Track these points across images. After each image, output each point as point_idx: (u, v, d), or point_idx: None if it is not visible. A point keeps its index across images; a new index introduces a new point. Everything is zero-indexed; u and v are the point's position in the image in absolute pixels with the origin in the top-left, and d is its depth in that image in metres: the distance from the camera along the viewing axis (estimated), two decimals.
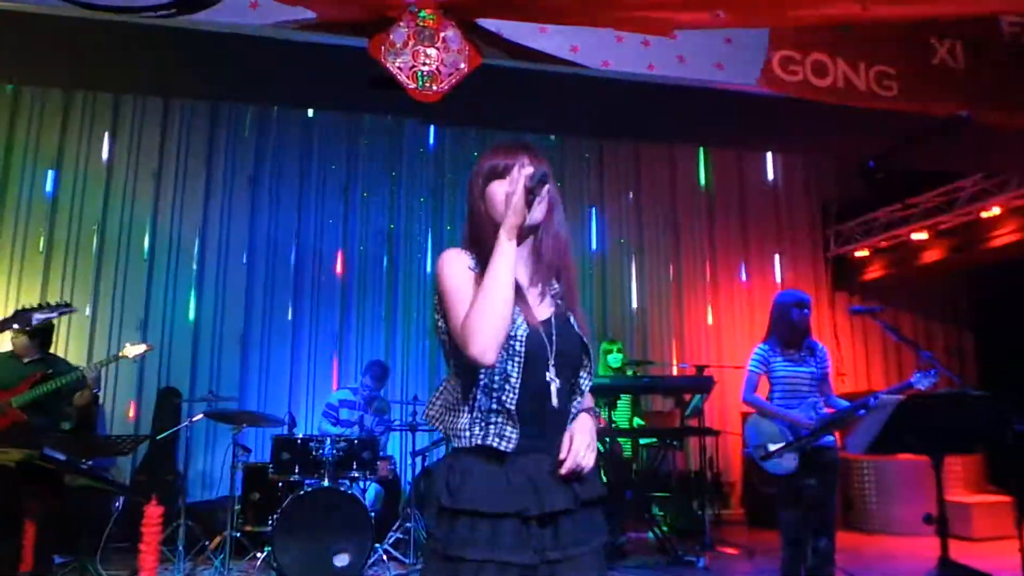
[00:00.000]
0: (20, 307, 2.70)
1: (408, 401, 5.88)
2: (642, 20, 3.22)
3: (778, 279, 8.31)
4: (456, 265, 1.58)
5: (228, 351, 6.96)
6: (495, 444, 1.51)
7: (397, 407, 6.29)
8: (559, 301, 1.66)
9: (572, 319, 1.65)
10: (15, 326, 2.70)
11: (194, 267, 6.98)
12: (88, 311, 6.63)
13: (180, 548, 4.81)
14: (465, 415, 1.55)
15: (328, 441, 4.96)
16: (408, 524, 5.20)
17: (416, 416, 5.60)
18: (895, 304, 8.27)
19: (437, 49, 3.07)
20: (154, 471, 6.11)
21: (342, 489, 4.72)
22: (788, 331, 3.87)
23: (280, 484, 4.97)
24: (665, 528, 6.24)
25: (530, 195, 1.53)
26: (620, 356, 6.12)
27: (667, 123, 3.81)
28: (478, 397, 1.54)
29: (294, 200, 7.29)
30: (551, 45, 3.22)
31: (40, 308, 2.67)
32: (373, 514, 5.18)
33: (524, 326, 1.55)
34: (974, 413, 2.97)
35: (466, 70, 3.12)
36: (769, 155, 8.32)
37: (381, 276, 7.41)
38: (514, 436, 1.51)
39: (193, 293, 6.94)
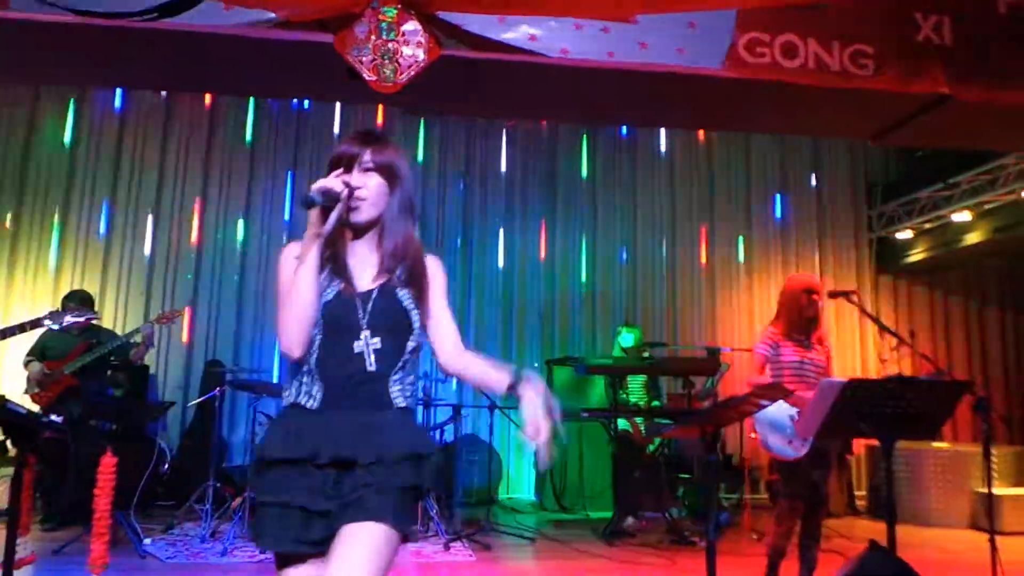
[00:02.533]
0: (53, 309, 3.07)
1: (418, 376, 6.15)
2: (601, 5, 3.29)
3: (817, 262, 8.11)
4: (284, 263, 1.73)
5: (269, 328, 7.42)
6: (302, 402, 1.69)
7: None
8: (394, 278, 1.75)
9: (401, 293, 1.74)
10: (47, 322, 3.05)
11: (238, 250, 7.46)
12: (143, 288, 7.22)
13: (208, 506, 5.26)
14: (292, 381, 1.74)
15: None
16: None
17: (428, 391, 5.86)
18: (942, 287, 7.95)
19: (396, 42, 3.25)
20: (197, 437, 6.62)
21: None
22: (797, 316, 3.89)
23: None
24: (684, 511, 6.32)
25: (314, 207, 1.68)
26: (633, 337, 6.20)
27: (630, 107, 3.86)
28: (301, 364, 1.72)
29: None
30: (510, 35, 3.34)
31: (69, 310, 3.03)
32: None
33: (331, 296, 1.70)
34: (925, 399, 2.93)
35: (425, 62, 3.29)
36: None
37: None
38: (318, 395, 1.67)
39: (236, 276, 7.44)
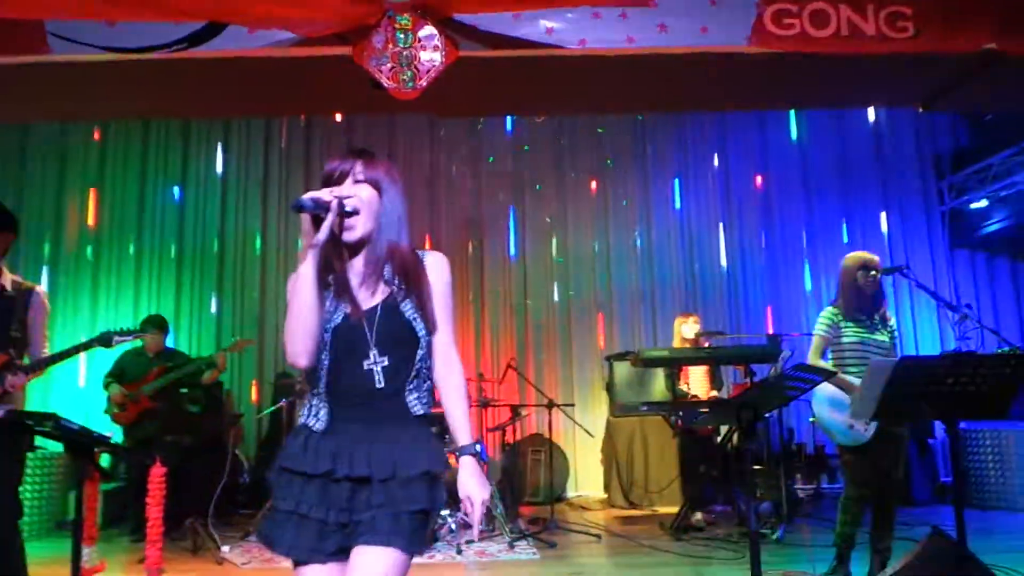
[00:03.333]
0: (108, 329, 3.25)
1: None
2: None
3: (885, 239, 7.74)
4: (291, 278, 1.76)
5: None
6: (310, 424, 1.74)
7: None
8: (395, 291, 1.77)
9: (404, 305, 1.76)
10: (141, 332, 3.24)
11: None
12: (213, 308, 7.56)
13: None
14: (305, 402, 1.80)
15: None
16: None
17: (483, 392, 5.92)
18: None
19: (413, 48, 3.29)
20: (272, 447, 6.87)
21: None
22: (855, 296, 3.75)
23: None
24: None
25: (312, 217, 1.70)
26: (694, 327, 6.06)
27: (665, 93, 3.77)
28: (310, 384, 1.78)
29: None
30: (526, 31, 3.33)
31: (120, 332, 3.20)
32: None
33: (339, 319, 1.74)
34: (987, 376, 2.75)
35: (443, 65, 3.31)
36: (871, 108, 7.74)
37: (466, 261, 7.78)
38: (324, 416, 1.74)
39: None
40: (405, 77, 3.27)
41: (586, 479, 7.50)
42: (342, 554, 1.68)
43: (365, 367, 1.72)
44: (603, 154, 7.93)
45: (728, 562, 4.57)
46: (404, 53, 3.28)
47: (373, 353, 1.73)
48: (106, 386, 5.76)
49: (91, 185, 7.63)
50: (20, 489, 2.96)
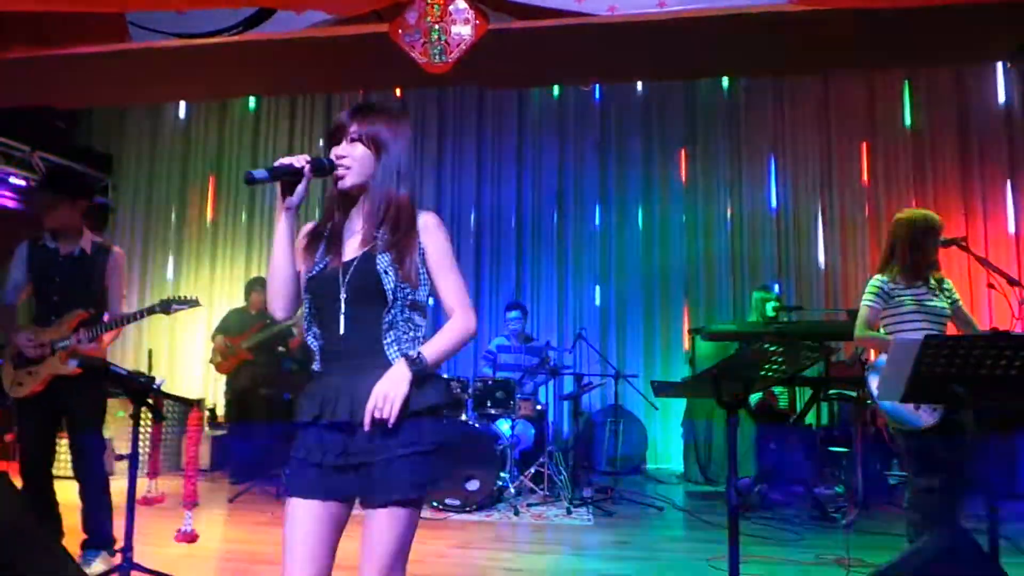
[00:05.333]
0: (168, 297, 3.62)
1: (554, 347, 6.29)
2: None
3: (1011, 215, 7.00)
4: None
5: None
6: (313, 366, 1.88)
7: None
8: (376, 244, 1.83)
9: (380, 258, 1.81)
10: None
11: None
12: None
13: None
14: None
15: (469, 382, 5.61)
16: (541, 459, 5.65)
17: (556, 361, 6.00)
18: None
19: (445, 23, 3.39)
20: None
21: (471, 423, 5.33)
22: (916, 259, 3.43)
23: None
24: (839, 486, 5.89)
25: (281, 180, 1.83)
26: (773, 304, 5.84)
27: (697, 55, 3.62)
28: (306, 330, 1.91)
29: (472, 170, 8.00)
30: (557, 0, 3.32)
31: (179, 300, 3.56)
32: (522, 449, 5.77)
33: (320, 268, 1.85)
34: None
35: (474, 38, 3.39)
36: (999, 70, 6.98)
37: (552, 232, 7.84)
38: (318, 359, 1.87)
39: None
40: (435, 51, 3.38)
41: (666, 453, 7.43)
42: (340, 496, 1.77)
43: (338, 315, 1.81)
44: (694, 123, 7.68)
45: (783, 543, 4.44)
46: (436, 27, 3.38)
47: (342, 302, 1.81)
48: (213, 338, 6.38)
49: (210, 170, 8.38)
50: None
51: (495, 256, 7.92)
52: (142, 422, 3.29)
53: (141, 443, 4.23)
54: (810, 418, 6.67)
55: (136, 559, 2.94)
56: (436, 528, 4.75)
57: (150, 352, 7.27)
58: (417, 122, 8.07)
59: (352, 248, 1.87)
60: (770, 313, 5.81)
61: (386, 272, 1.80)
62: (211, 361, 6.34)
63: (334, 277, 1.83)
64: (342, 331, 1.81)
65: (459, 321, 1.89)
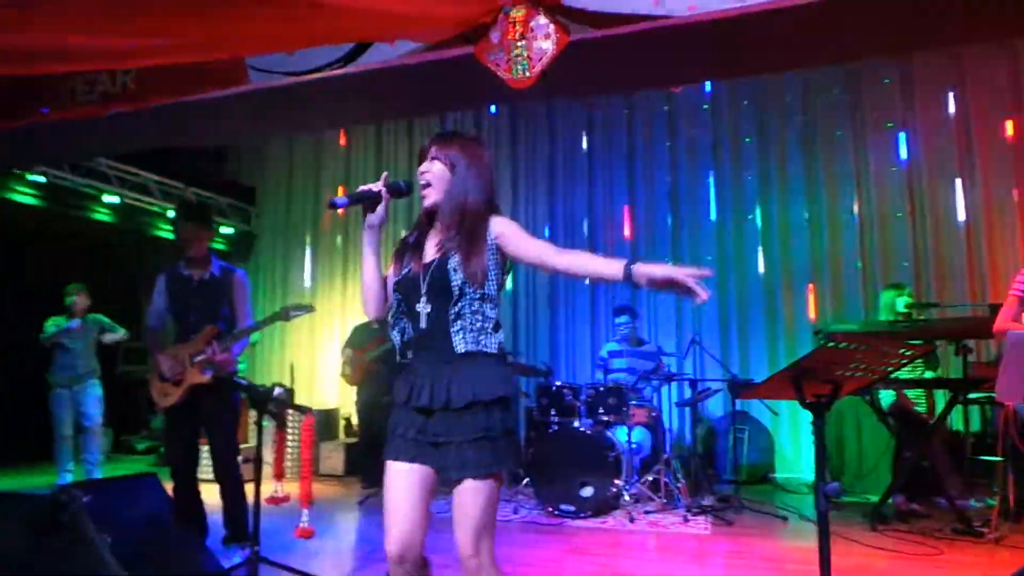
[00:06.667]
0: (286, 305, 3.93)
1: (666, 353, 6.20)
2: None
3: None
4: None
5: (542, 313, 8.07)
6: (400, 359, 2.18)
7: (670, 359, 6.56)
8: (450, 249, 2.12)
9: (451, 260, 2.09)
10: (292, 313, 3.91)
11: None
12: None
13: None
14: None
15: (581, 389, 5.64)
16: (656, 466, 5.57)
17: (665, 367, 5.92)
18: None
19: (527, 39, 3.49)
20: None
21: (583, 430, 5.34)
22: None
23: (541, 424, 5.79)
24: (992, 499, 5.39)
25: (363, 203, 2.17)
26: (905, 300, 5.45)
27: (781, 50, 3.44)
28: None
29: (584, 172, 8.04)
30: (633, 4, 3.32)
31: (296, 307, 3.88)
32: (640, 456, 5.73)
33: (406, 271, 2.17)
34: None
35: (555, 51, 3.46)
36: None
37: (667, 232, 7.72)
38: (405, 351, 2.16)
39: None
40: (519, 68, 3.48)
41: (796, 461, 7.08)
42: (423, 462, 2.07)
43: (417, 310, 2.11)
44: (812, 110, 7.31)
45: (915, 557, 4.13)
46: (518, 44, 3.49)
47: (423, 300, 2.10)
48: (342, 351, 6.81)
49: (340, 183, 8.96)
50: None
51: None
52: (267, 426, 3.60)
53: (268, 447, 4.62)
54: (958, 423, 6.13)
55: (263, 552, 3.22)
56: (550, 533, 4.82)
57: (292, 366, 7.85)
58: (528, 135, 8.25)
59: (430, 253, 2.18)
60: (901, 310, 5.43)
61: (454, 271, 2.08)
62: (341, 374, 6.76)
63: (416, 279, 2.14)
64: (423, 325, 2.10)
65: (571, 254, 2.10)
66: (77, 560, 2.60)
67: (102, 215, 7.53)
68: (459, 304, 2.07)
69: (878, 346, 2.07)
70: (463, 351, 2.06)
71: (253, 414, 3.36)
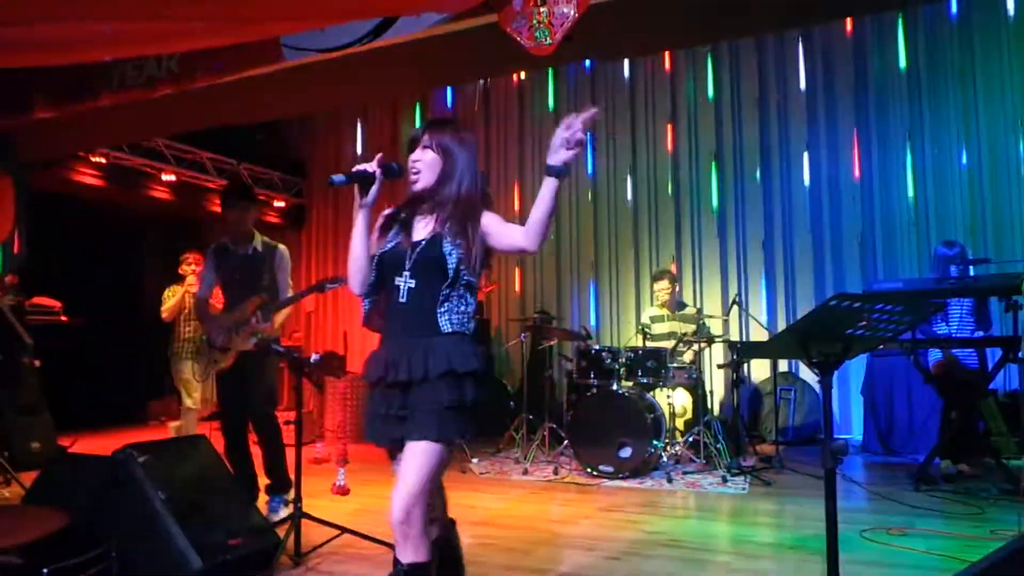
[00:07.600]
0: (323, 279, 4.09)
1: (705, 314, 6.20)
2: None
3: None
4: None
5: (586, 279, 8.12)
6: (365, 325, 2.26)
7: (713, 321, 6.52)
8: (444, 230, 2.13)
9: (446, 241, 2.11)
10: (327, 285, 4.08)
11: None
12: None
13: (517, 436, 6.23)
14: None
15: (619, 352, 5.69)
16: (697, 428, 5.60)
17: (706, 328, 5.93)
18: None
19: (548, 5, 3.51)
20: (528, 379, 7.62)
21: (621, 392, 5.41)
22: None
23: (581, 387, 5.86)
24: None
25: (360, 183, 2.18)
26: (952, 253, 5.28)
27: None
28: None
29: (626, 138, 7.99)
30: None
31: (331, 280, 4.02)
32: (681, 417, 5.80)
33: (391, 246, 2.20)
34: None
35: (575, 17, 3.47)
36: None
37: (710, 195, 7.63)
38: (383, 325, 2.20)
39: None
40: (540, 35, 3.51)
41: (845, 422, 6.99)
42: (399, 441, 2.10)
43: (397, 284, 2.14)
44: (865, 72, 7.05)
45: (956, 516, 4.09)
46: (540, 11, 3.51)
47: (405, 274, 2.13)
48: None
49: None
50: None
51: (653, 225, 7.87)
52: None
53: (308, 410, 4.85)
54: (1015, 383, 5.93)
55: (305, 509, 3.43)
56: (587, 492, 4.94)
57: (345, 334, 8.13)
58: (575, 101, 8.21)
59: (420, 233, 2.20)
60: (951, 266, 5.25)
61: (450, 253, 2.10)
62: None
63: (403, 254, 2.16)
64: (402, 299, 2.13)
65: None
66: (135, 514, 2.85)
67: (160, 193, 7.89)
68: (452, 287, 2.10)
69: (884, 305, 2.06)
70: (450, 330, 2.09)
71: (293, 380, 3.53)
